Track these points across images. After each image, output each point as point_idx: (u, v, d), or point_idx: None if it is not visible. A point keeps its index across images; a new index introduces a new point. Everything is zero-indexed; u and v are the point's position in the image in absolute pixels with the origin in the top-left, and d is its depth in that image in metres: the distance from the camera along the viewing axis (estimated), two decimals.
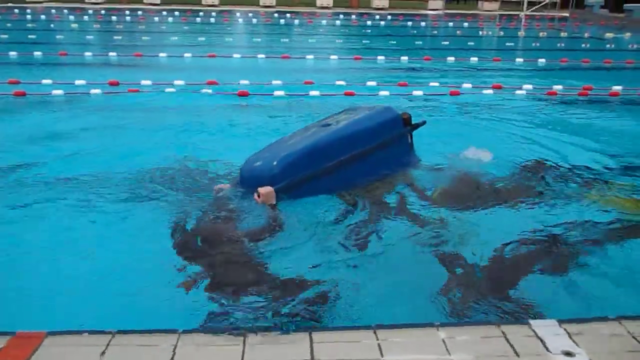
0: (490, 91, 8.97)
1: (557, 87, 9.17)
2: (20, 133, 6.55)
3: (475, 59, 12.48)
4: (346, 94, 8.57)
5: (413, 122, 5.68)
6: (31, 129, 6.75)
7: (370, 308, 3.25)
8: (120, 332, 2.83)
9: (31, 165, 5.39)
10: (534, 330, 2.88)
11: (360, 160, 5.11)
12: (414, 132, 5.69)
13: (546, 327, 2.91)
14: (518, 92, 8.99)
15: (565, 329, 2.90)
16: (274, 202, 4.43)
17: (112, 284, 3.44)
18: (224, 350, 2.73)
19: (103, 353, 2.69)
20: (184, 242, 3.99)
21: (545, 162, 5.83)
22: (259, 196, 4.41)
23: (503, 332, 2.85)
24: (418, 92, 8.72)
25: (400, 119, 5.56)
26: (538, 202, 4.83)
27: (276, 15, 22.90)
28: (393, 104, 5.86)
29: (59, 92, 8.49)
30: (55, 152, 5.86)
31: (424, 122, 5.81)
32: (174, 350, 2.73)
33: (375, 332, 2.84)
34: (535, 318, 3.02)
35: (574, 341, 2.73)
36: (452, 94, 8.80)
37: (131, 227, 4.22)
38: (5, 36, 14.73)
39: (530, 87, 9.20)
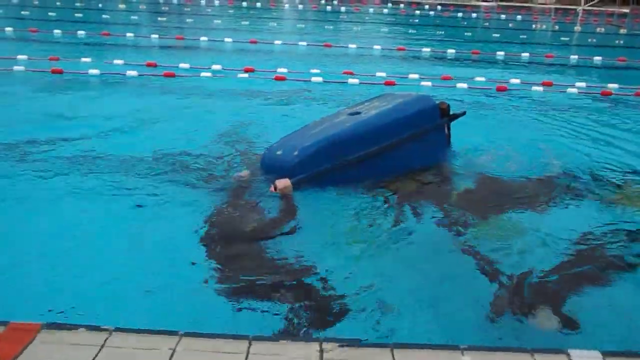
0: (540, 88, 8.47)
1: (612, 86, 8.58)
2: (48, 110, 6.52)
3: (527, 54, 11.85)
4: (386, 84, 8.22)
5: (452, 113, 5.35)
6: (61, 106, 6.70)
7: (388, 322, 2.96)
8: (118, 329, 2.66)
9: (54, 144, 5.32)
10: None
11: (390, 152, 4.83)
12: (454, 123, 5.36)
13: None
14: (570, 90, 8.44)
15: None
16: (291, 194, 4.24)
17: (116, 277, 3.26)
18: (226, 357, 2.52)
19: (97, 352, 2.53)
20: (198, 235, 3.80)
21: (590, 165, 5.41)
22: (275, 188, 4.24)
23: None
24: (462, 85, 8.30)
25: (437, 109, 5.24)
26: (577, 209, 4.48)
27: (323, 1, 22.58)
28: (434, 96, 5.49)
29: (96, 71, 8.47)
30: (76, 133, 5.74)
31: (463, 113, 5.51)
32: (172, 354, 2.54)
33: (392, 352, 2.57)
34: (574, 347, 2.67)
35: None
36: (498, 89, 8.33)
37: (142, 215, 4.06)
38: (53, 14, 14.93)
39: (583, 85, 8.64)
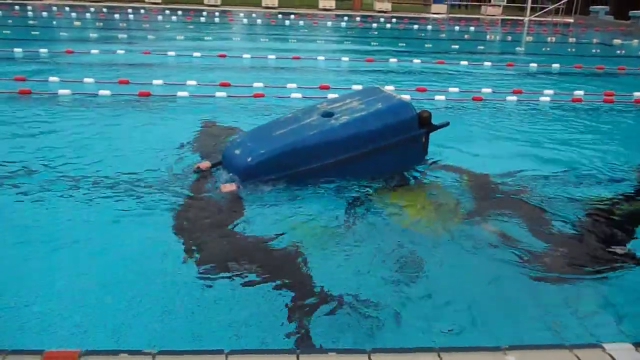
0: (514, 97, 8.72)
1: (579, 93, 8.96)
2: (20, 133, 6.25)
3: (489, 63, 12.28)
4: None
5: (434, 124, 5.16)
6: (33, 129, 6.45)
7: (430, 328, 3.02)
8: (161, 352, 2.61)
9: (35, 167, 5.15)
10: (610, 355, 2.67)
11: (355, 161, 4.76)
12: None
13: (623, 352, 2.71)
14: (542, 98, 8.75)
15: None
16: (237, 195, 4.36)
17: (146, 298, 3.19)
18: None
19: None
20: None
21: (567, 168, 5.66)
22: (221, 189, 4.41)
23: (578, 357, 2.64)
24: (440, 97, 8.47)
25: (415, 120, 5.02)
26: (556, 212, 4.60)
27: (280, 16, 22.68)
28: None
29: (66, 91, 8.20)
30: (54, 153, 5.59)
31: (447, 123, 5.33)
32: None
33: (439, 355, 2.63)
34: (608, 341, 2.80)
35: None
36: (474, 99, 8.57)
37: (151, 234, 3.98)
38: (8, 32, 14.44)
39: (551, 92, 8.98)
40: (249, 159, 4.54)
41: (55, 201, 4.41)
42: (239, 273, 3.47)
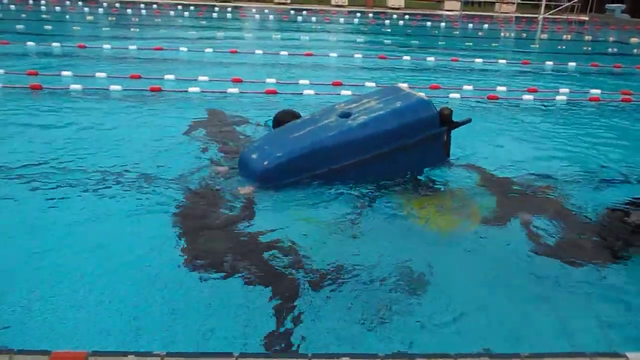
0: (529, 96, 8.56)
1: (596, 92, 8.81)
2: (31, 128, 6.23)
3: (504, 61, 12.12)
4: None
5: (455, 120, 5.05)
6: (44, 123, 6.41)
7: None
8: (170, 354, 2.55)
9: (45, 162, 5.12)
10: None
11: (373, 163, 4.69)
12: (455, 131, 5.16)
13: None
14: (558, 97, 8.61)
15: None
16: (252, 198, 4.35)
17: (155, 299, 3.14)
18: None
19: None
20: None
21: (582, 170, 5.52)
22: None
23: None
24: (455, 95, 8.35)
25: (436, 118, 4.94)
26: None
27: (292, 12, 22.59)
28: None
29: (78, 86, 8.14)
30: (64, 149, 5.56)
31: (469, 120, 5.23)
32: None
33: None
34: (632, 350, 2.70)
35: None
36: (490, 97, 8.44)
37: (162, 234, 3.91)
38: (22, 26, 14.45)
39: (567, 90, 8.83)
40: (266, 163, 4.51)
41: (65, 198, 4.38)
42: (250, 276, 3.41)
